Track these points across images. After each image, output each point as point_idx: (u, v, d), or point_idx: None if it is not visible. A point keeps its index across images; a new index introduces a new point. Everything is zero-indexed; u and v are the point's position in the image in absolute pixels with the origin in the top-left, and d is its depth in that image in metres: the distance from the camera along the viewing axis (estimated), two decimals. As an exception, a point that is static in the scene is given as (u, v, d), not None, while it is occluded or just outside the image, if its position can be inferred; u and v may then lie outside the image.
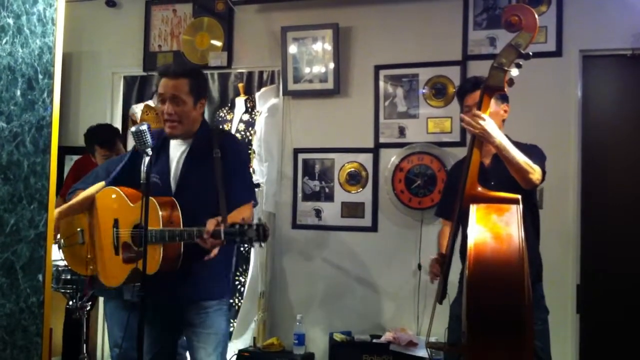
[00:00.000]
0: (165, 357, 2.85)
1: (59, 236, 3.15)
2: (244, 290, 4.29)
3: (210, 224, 2.51)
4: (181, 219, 2.66)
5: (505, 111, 2.85)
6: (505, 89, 2.47)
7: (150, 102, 4.64)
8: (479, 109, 2.53)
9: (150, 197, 2.54)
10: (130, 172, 2.82)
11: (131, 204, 2.76)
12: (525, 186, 2.58)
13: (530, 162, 2.57)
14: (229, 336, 2.90)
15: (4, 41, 1.99)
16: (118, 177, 2.89)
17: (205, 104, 2.86)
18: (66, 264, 3.51)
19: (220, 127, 4.57)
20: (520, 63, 2.44)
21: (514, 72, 2.46)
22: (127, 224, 2.77)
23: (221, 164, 2.73)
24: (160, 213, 2.62)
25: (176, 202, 2.70)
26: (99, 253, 2.92)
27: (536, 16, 2.44)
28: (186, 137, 2.82)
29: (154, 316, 2.81)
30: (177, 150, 2.83)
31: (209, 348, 2.73)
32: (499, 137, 2.54)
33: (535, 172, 2.58)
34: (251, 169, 4.35)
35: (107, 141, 3.89)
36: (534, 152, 2.73)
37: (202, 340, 2.73)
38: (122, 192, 2.82)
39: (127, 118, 4.87)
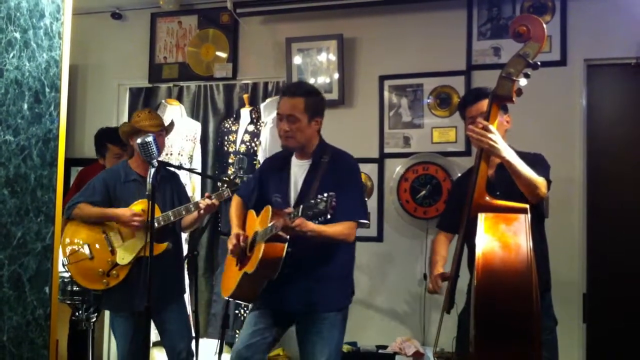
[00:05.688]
0: (264, 347, 2.90)
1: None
2: (250, 301, 4.28)
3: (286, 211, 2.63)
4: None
5: (508, 122, 2.85)
6: (514, 99, 2.47)
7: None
8: (487, 119, 2.52)
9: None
10: (259, 194, 3.03)
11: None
12: (533, 200, 2.58)
13: (536, 175, 2.57)
14: (340, 345, 2.98)
15: (11, 55, 2.00)
16: (253, 199, 3.09)
17: (321, 121, 2.97)
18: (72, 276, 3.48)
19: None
20: (529, 73, 2.44)
21: (523, 81, 2.45)
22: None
23: (328, 171, 2.84)
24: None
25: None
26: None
27: (544, 26, 2.45)
28: (306, 156, 2.95)
29: (264, 310, 2.91)
30: (298, 170, 2.95)
31: (322, 358, 2.80)
32: (507, 151, 2.53)
33: (541, 185, 2.58)
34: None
35: (120, 139, 3.86)
36: (539, 162, 2.73)
37: (318, 350, 2.81)
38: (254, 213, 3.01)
39: (132, 129, 4.87)
